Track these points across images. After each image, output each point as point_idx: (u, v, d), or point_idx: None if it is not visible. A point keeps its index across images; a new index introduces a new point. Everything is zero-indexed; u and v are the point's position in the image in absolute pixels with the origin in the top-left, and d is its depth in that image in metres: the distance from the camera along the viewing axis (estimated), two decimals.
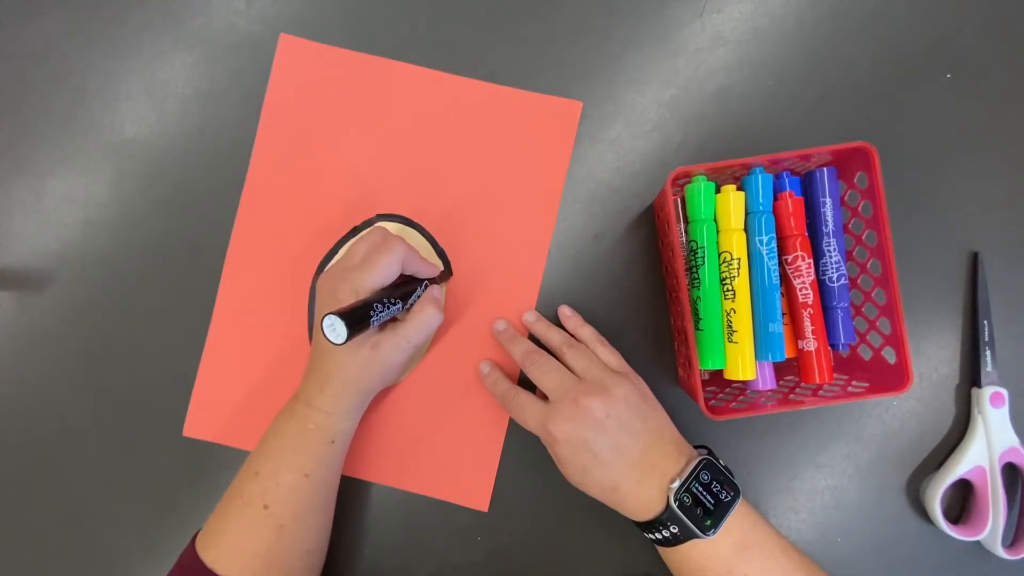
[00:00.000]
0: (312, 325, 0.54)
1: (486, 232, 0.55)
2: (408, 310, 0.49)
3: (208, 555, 0.45)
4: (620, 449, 0.45)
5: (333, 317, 0.41)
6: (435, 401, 0.54)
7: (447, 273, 0.55)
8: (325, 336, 0.41)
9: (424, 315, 0.49)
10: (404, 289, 0.49)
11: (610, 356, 0.50)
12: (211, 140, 0.55)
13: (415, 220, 0.55)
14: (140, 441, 0.55)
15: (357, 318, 0.43)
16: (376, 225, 0.51)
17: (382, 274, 0.47)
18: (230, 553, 0.46)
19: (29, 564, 0.54)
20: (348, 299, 0.45)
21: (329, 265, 0.51)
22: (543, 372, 0.48)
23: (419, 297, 0.50)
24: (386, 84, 0.55)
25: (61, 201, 0.55)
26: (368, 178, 0.55)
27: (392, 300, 0.46)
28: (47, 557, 0.54)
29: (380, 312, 0.45)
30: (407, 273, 0.50)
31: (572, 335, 0.52)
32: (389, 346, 0.47)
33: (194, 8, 0.56)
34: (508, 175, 0.55)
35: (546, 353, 0.50)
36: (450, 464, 0.54)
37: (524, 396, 0.49)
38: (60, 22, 0.56)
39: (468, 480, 0.54)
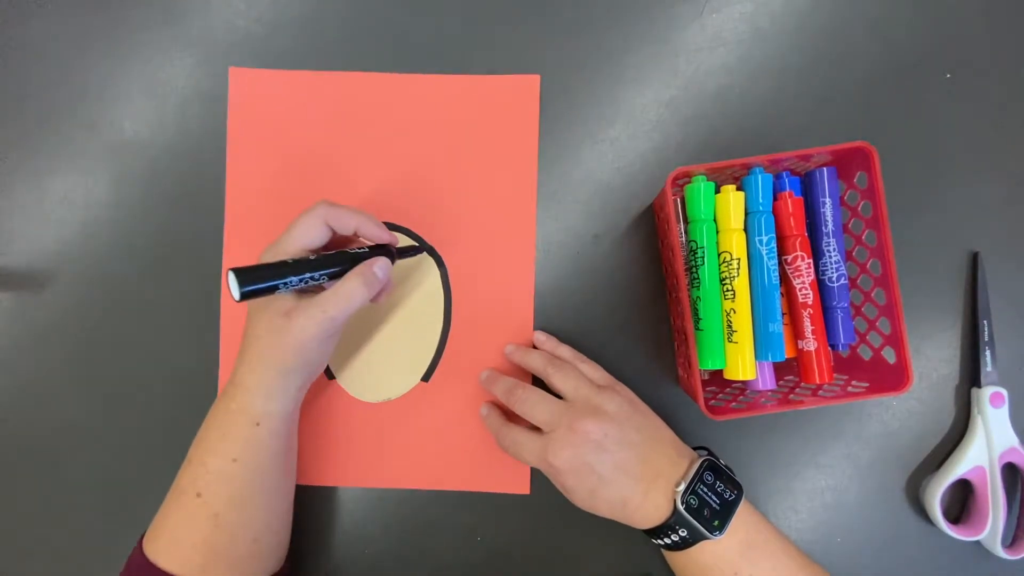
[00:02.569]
0: None
1: (469, 223, 0.55)
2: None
3: (150, 548, 0.45)
4: (623, 465, 0.44)
5: (232, 273, 0.39)
6: (449, 401, 0.54)
7: (416, 248, 0.51)
8: (230, 292, 0.39)
9: (346, 287, 0.44)
10: (340, 258, 0.45)
11: (593, 371, 0.49)
12: (211, 140, 0.55)
13: (400, 224, 0.55)
14: (141, 443, 0.55)
15: (254, 275, 0.41)
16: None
17: (299, 234, 0.44)
18: (170, 545, 0.45)
19: (29, 566, 0.54)
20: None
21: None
22: (531, 406, 0.47)
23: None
24: (349, 96, 0.55)
25: (61, 201, 0.55)
26: (351, 190, 0.55)
27: (312, 267, 0.43)
28: (47, 559, 0.54)
29: (289, 278, 0.42)
30: (343, 232, 0.46)
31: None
32: (303, 316, 0.43)
33: (194, 8, 0.56)
34: (479, 161, 0.55)
35: (528, 385, 0.49)
36: (483, 456, 0.54)
37: (516, 432, 0.48)
38: (60, 22, 0.56)
39: (503, 467, 0.54)
